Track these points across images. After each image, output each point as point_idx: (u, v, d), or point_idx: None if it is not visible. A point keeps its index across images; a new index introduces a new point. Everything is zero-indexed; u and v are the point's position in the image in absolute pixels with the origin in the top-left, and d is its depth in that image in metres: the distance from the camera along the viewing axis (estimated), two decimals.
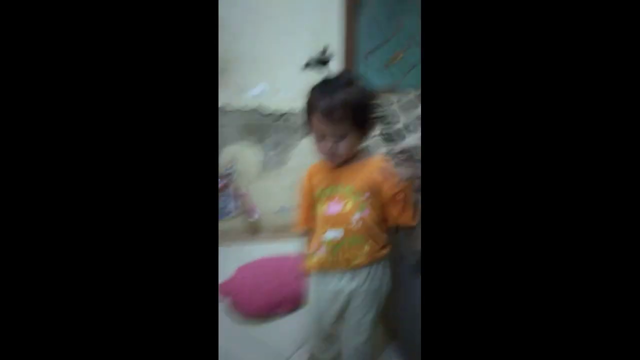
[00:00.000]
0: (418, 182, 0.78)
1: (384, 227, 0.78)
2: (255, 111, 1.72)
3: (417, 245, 0.76)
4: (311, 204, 0.81)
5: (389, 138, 1.55)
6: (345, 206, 0.74)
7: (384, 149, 1.48)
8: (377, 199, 0.75)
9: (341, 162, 0.75)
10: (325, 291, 0.79)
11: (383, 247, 0.78)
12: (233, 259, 1.34)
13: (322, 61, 0.73)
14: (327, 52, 0.73)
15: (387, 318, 1.01)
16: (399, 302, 0.91)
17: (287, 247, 1.19)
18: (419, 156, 1.54)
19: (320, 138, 0.71)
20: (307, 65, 0.73)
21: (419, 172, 0.76)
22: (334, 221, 0.74)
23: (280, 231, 1.79)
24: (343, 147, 0.70)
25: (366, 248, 0.75)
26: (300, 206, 0.84)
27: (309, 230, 0.83)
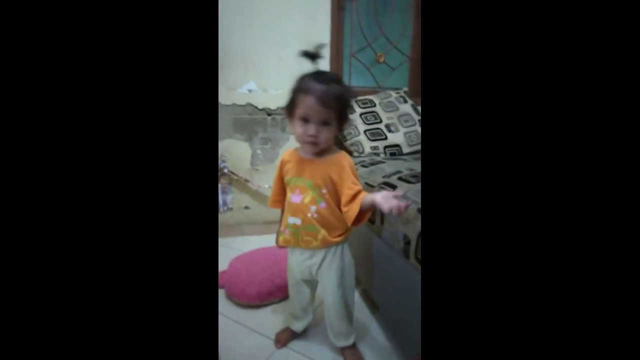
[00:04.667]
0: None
1: (341, 217, 0.86)
2: (245, 107, 1.78)
3: (403, 230, 0.87)
4: (282, 187, 0.92)
5: (374, 135, 1.65)
6: (304, 199, 0.84)
7: (370, 145, 1.58)
8: (334, 194, 0.84)
9: (312, 154, 0.83)
10: (294, 262, 0.94)
11: (339, 234, 0.87)
12: (223, 253, 1.39)
13: (314, 55, 0.81)
14: (321, 50, 0.82)
15: (372, 293, 1.12)
16: (387, 280, 1.01)
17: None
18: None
19: (304, 122, 0.78)
20: (303, 53, 0.81)
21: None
22: (295, 210, 0.86)
23: (271, 224, 1.84)
24: (324, 135, 0.79)
25: (320, 235, 0.85)
26: (273, 187, 0.95)
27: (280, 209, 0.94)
